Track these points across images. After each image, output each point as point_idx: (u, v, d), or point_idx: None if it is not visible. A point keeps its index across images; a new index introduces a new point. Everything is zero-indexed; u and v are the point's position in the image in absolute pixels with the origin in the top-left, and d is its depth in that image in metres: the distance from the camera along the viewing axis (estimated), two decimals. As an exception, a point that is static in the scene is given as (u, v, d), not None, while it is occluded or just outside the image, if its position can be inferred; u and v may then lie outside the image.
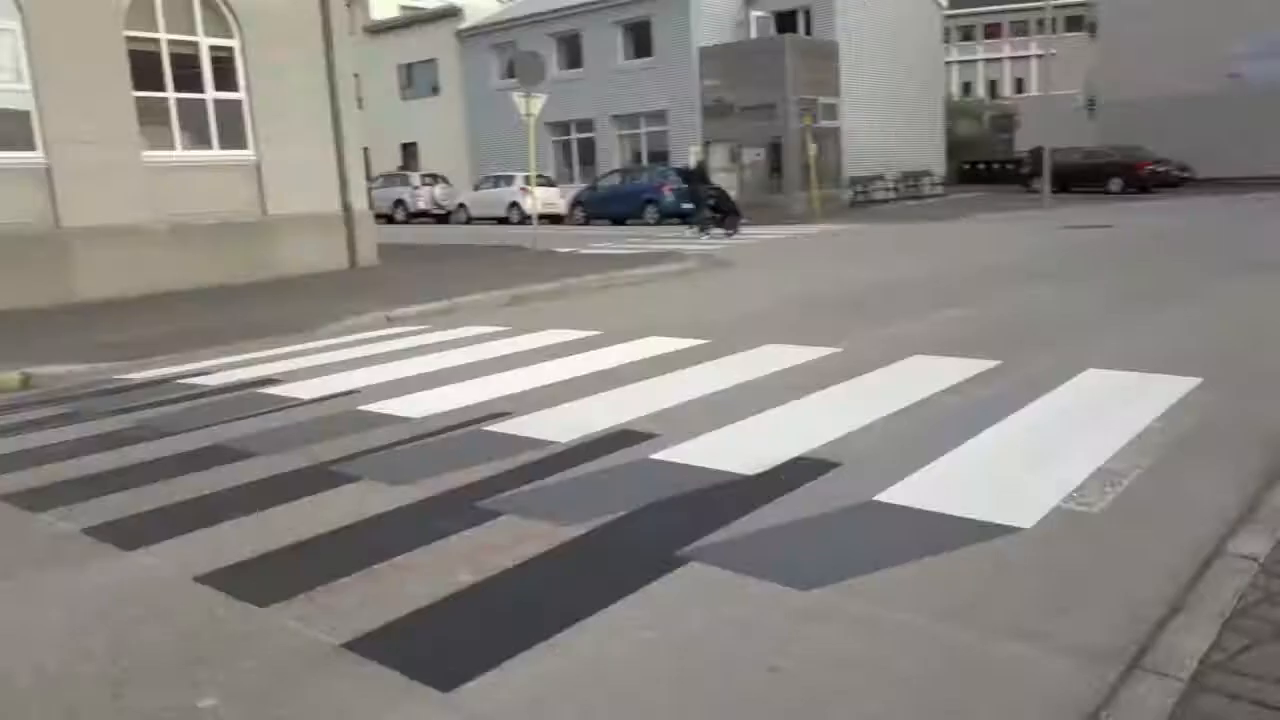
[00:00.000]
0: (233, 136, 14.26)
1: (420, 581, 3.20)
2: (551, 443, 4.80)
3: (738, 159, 31.11)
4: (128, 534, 3.81)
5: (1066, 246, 14.53)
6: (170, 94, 13.53)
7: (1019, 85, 67.50)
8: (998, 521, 3.46)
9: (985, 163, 44.05)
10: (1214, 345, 6.54)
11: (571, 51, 33.57)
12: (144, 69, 13.18)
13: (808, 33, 30.79)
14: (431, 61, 38.19)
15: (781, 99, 28.66)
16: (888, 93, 32.50)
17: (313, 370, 7.21)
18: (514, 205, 31.04)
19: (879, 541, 3.37)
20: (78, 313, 11.36)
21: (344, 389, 6.41)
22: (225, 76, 14.13)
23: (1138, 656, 2.50)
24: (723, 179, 31.28)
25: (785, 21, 31.33)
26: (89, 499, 4.29)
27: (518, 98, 18.76)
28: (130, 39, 12.99)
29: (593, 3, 32.25)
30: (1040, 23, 68.69)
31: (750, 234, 21.23)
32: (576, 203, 29.84)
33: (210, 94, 13.95)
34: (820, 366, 6.33)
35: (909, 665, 2.55)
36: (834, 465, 4.19)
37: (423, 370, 6.95)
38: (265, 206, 14.62)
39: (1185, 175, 33.18)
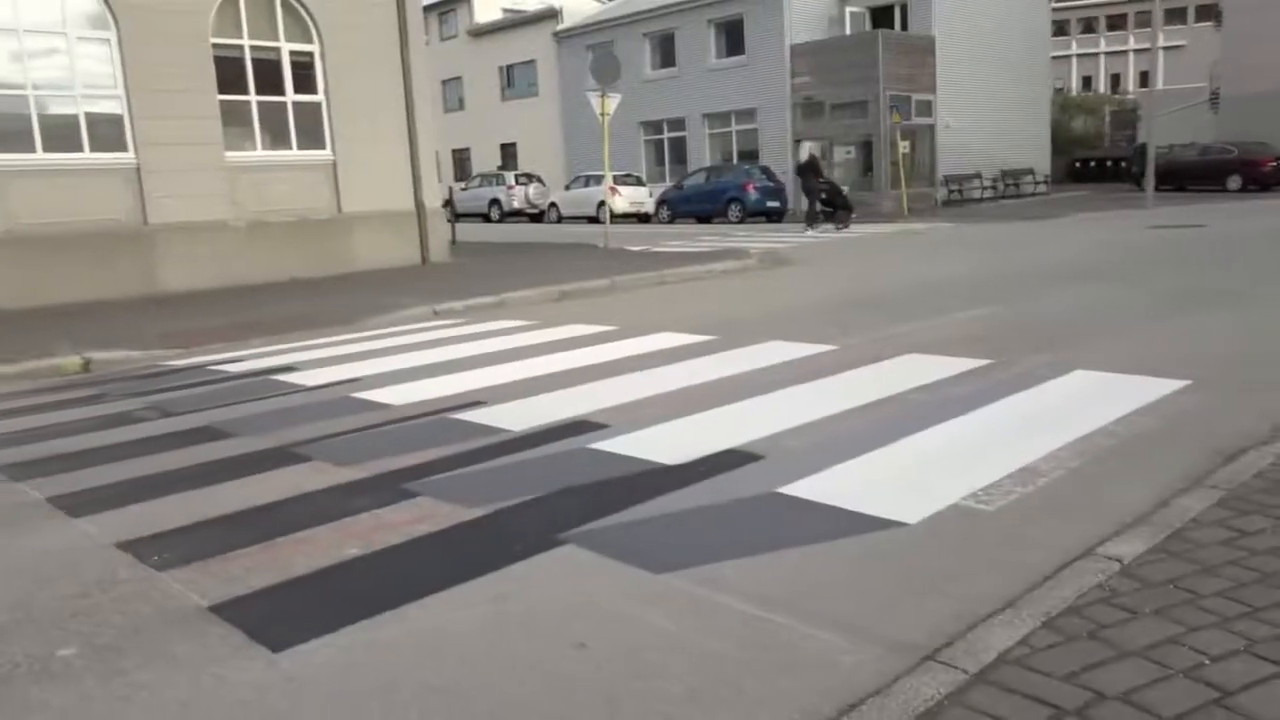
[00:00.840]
0: (311, 137, 14.92)
1: (310, 554, 3.39)
2: (506, 430, 4.94)
3: (827, 157, 30.73)
4: (82, 503, 4.12)
5: (1138, 247, 13.91)
6: (252, 97, 14.25)
7: (1143, 79, 64.41)
8: (884, 516, 3.44)
9: (1097, 160, 42.36)
10: (1233, 350, 6.23)
11: (665, 51, 33.72)
12: (228, 73, 13.93)
13: (904, 27, 30.17)
14: (531, 63, 38.94)
15: (874, 96, 28.21)
16: (988, 88, 31.54)
17: (331, 360, 7.55)
18: (602, 204, 31.33)
19: (757, 531, 3.39)
20: (157, 304, 12.09)
21: (347, 377, 6.70)
22: (305, 80, 14.80)
23: (939, 649, 2.49)
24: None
25: (881, 17, 30.78)
26: (68, 471, 4.65)
27: (594, 97, 19.00)
28: (216, 45, 13.74)
29: (687, 2, 32.33)
30: (1168, 13, 65.65)
31: (829, 233, 20.99)
32: (662, 201, 30.00)
33: (290, 97, 14.63)
34: (808, 364, 6.30)
35: (713, 646, 2.59)
36: (757, 458, 4.20)
37: (430, 361, 7.20)
38: (340, 204, 15.24)
39: (1314, 172, 31.18)
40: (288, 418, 5.57)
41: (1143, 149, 28.93)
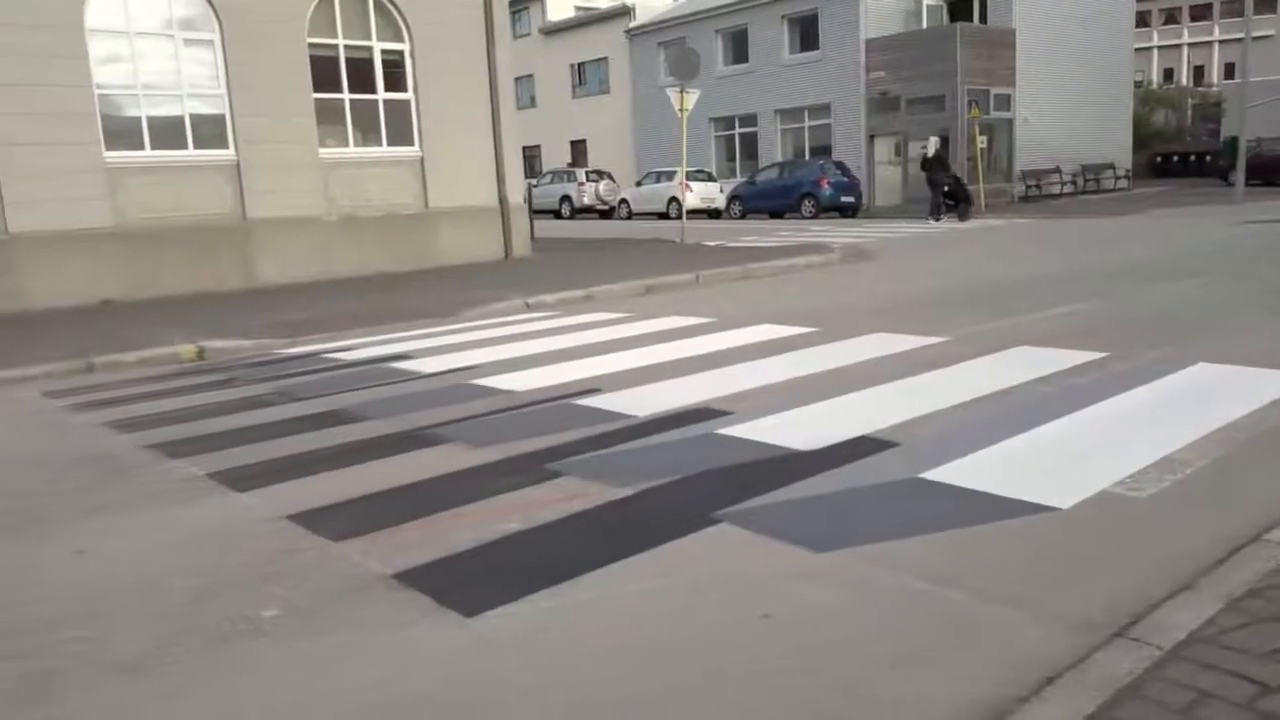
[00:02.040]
0: (400, 134, 15.24)
1: (473, 527, 3.53)
2: (630, 416, 5.05)
3: (902, 153, 30.43)
4: (240, 479, 4.33)
5: (1234, 242, 13.56)
6: (345, 95, 14.62)
7: (1228, 70, 62.48)
8: (1035, 501, 3.47)
9: (1180, 155, 41.22)
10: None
11: (738, 47, 33.68)
12: (323, 72, 14.30)
13: (982, 20, 29.71)
14: (602, 60, 39.19)
15: (951, 90, 27.87)
16: (1067, 81, 30.90)
17: (442, 349, 7.75)
18: (673, 200, 31.43)
19: (909, 514, 3.44)
20: (256, 296, 12.49)
21: (461, 365, 6.88)
22: (395, 78, 15.12)
23: (1125, 628, 2.52)
24: (885, 173, 30.79)
25: (959, 9, 30.34)
26: (217, 450, 4.87)
27: (673, 93, 19.07)
28: (312, 45, 14.12)
29: (760, -2, 32.29)
30: (1256, 2, 63.51)
31: (902, 228, 20.81)
32: (734, 197, 29.99)
33: (381, 94, 14.96)
34: (918, 355, 6.31)
35: (895, 620, 2.65)
36: (891, 445, 4.25)
37: (538, 350, 7.35)
38: (427, 199, 15.54)
39: None
40: (413, 403, 5.75)
41: (1232, 143, 28.09)
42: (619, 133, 38.55)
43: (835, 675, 2.39)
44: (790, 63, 32.08)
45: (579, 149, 40.92)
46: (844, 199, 27.15)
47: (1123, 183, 33.51)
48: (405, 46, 15.09)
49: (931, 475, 3.81)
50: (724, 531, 3.37)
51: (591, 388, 5.83)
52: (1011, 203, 28.90)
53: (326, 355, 7.86)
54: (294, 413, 5.69)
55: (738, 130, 34.64)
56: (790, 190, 27.85)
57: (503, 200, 16.37)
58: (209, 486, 4.27)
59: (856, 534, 3.26)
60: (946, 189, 22.43)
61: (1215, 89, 58.48)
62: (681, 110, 19.11)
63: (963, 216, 22.22)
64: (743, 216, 29.27)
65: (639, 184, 33.29)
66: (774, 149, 33.18)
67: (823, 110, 31.44)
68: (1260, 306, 7.76)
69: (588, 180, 34.62)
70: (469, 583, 3.05)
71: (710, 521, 3.46)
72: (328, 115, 14.45)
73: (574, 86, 40.94)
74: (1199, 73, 63.71)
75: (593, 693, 2.38)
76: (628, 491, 3.83)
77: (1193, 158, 40.52)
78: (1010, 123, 29.53)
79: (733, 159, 35.02)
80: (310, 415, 5.60)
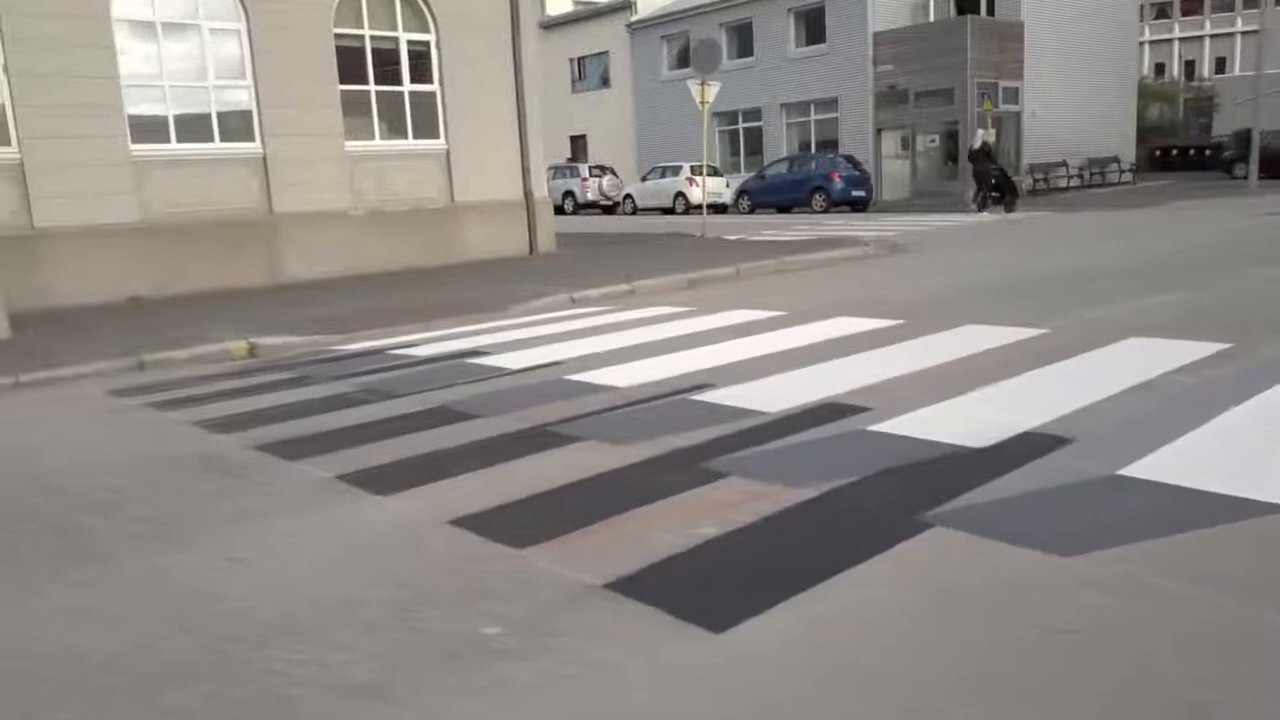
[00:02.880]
0: (426, 127, 14.96)
1: (665, 531, 3.29)
2: (759, 412, 4.82)
3: (909, 146, 30.32)
4: (377, 480, 4.08)
5: (1275, 232, 13.47)
6: (371, 87, 14.32)
7: (1220, 65, 62.78)
8: (1259, 499, 3.26)
9: (1179, 149, 41.28)
10: None
11: (742, 40, 33.46)
12: (349, 64, 14.00)
13: (990, 13, 29.61)
14: (602, 54, 38.90)
15: (960, 83, 27.74)
16: (1074, 75, 30.87)
17: (513, 344, 7.50)
18: (680, 195, 31.27)
19: (1129, 514, 3.23)
20: (286, 292, 12.19)
21: (547, 360, 6.63)
22: (421, 70, 14.83)
23: None
24: (892, 167, 30.65)
25: (966, 2, 30.22)
26: (335, 450, 4.62)
27: (694, 85, 18.84)
28: (338, 36, 13.81)
29: (764, -9, 32.08)
30: (1244, -3, 63.75)
31: (924, 221, 20.67)
32: (742, 192, 29.80)
33: (407, 86, 14.68)
34: (1029, 346, 6.11)
35: (1195, 630, 2.44)
36: (1066, 441, 4.03)
37: (617, 345, 7.11)
38: (453, 193, 15.27)
39: None
40: (518, 399, 5.51)
41: (1245, 135, 28.08)
42: (620, 127, 38.26)
43: (1166, 695, 2.17)
44: (796, 56, 31.88)
45: (579, 144, 40.61)
46: (855, 193, 27.00)
47: (1127, 176, 33.51)
48: (431, 37, 14.81)
49: (1130, 472, 3.59)
50: (944, 535, 3.14)
51: (701, 383, 5.60)
52: (1020, 196, 28.78)
53: (393, 351, 7.59)
54: (394, 410, 5.44)
55: (742, 125, 34.43)
56: (801, 184, 27.69)
57: (528, 194, 16.11)
58: (344, 489, 4.01)
59: (1094, 536, 3.04)
60: (994, 181, 22.50)
61: (1208, 83, 58.78)
62: (703, 103, 18.89)
63: (1009, 208, 22.10)
64: (752, 211, 29.08)
65: (644, 179, 33.03)
66: (779, 143, 32.99)
67: (829, 104, 31.27)
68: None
69: (591, 175, 34.36)
70: (694, 593, 2.81)
71: (922, 525, 3.23)
72: (353, 108, 14.15)
73: (573, 81, 40.62)
74: (1190, 67, 63.97)
75: (879, 716, 2.15)
76: (811, 493, 3.60)
77: (1191, 151, 40.57)
78: (1018, 116, 29.44)
79: (736, 154, 34.83)
80: (414, 413, 5.34)
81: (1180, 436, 3.99)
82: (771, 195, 28.74)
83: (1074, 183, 31.32)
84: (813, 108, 31.92)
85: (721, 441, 4.36)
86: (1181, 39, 64.07)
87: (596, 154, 38.87)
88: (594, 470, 4.04)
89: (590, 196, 34.27)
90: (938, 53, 27.96)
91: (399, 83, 14.61)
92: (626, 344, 7.18)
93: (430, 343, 7.91)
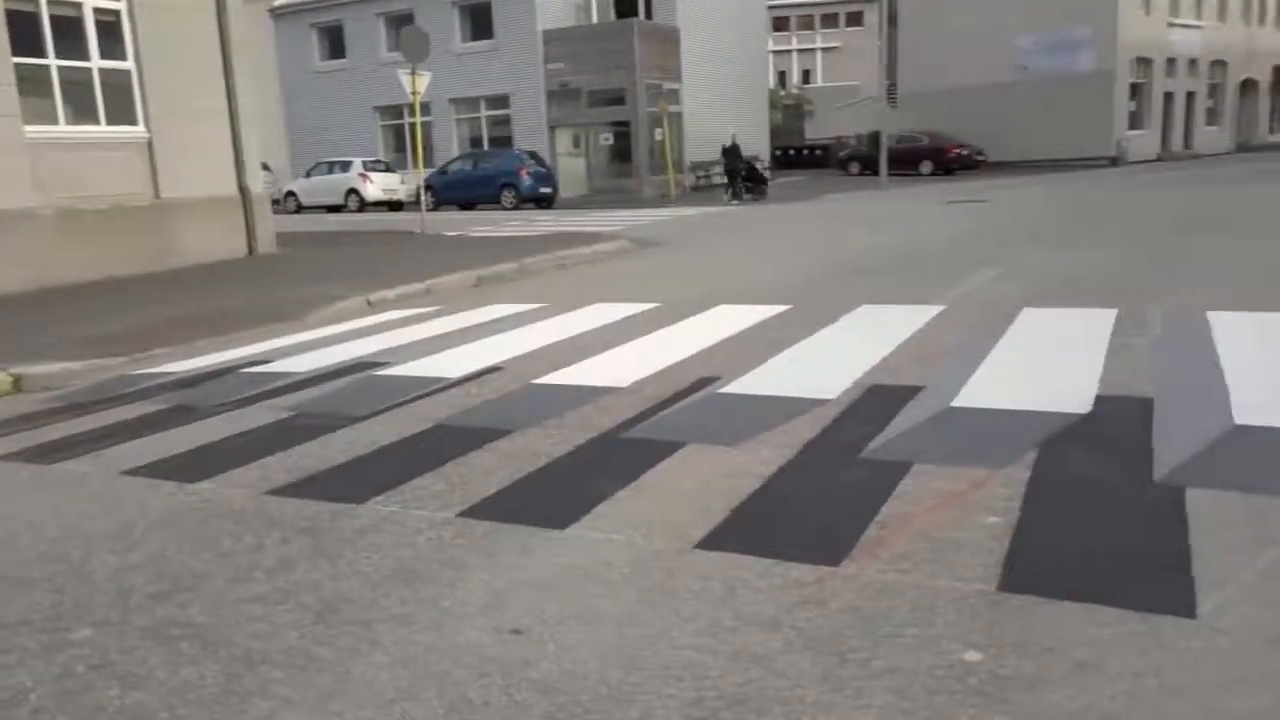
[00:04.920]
0: (121, 111, 12.76)
1: (947, 525, 3.06)
2: (823, 399, 4.66)
3: (581, 144, 31.09)
4: (530, 514, 3.39)
5: (1000, 217, 15.53)
6: (52, 61, 11.93)
7: (806, 77, 71.24)
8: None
9: (795, 149, 46.15)
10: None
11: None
12: (23, 31, 11.54)
13: (648, 16, 31.10)
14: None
15: (630, 83, 28.87)
16: (721, 79, 33.40)
17: (402, 351, 6.62)
18: (352, 192, 29.59)
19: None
20: (-14, 309, 9.82)
21: (482, 366, 5.93)
22: (112, 44, 12.61)
23: None
24: (567, 164, 31.24)
25: (625, 6, 31.50)
26: (398, 485, 3.78)
27: (404, 75, 17.89)
28: (4, -3, 11.32)
29: (425, -18, 31.17)
30: (824, 18, 72.97)
31: (613, 215, 21.32)
32: (425, 187, 28.73)
33: (96, 62, 12.41)
34: (958, 320, 6.50)
35: None
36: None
37: (534, 345, 6.52)
38: (159, 189, 13.19)
39: (981, 159, 36.25)
40: (519, 410, 4.85)
41: (875, 137, 31.92)
42: (266, 121, 35.21)
43: None
44: (463, 51, 31.36)
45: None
46: (542, 189, 27.16)
47: (767, 173, 36.85)
48: (121, 5, 12.64)
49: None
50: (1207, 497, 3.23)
51: (707, 376, 5.30)
52: (686, 192, 30.64)
53: (250, 370, 6.36)
54: (394, 434, 4.55)
55: (407, 119, 33.19)
56: (489, 181, 27.31)
57: (243, 189, 14.35)
58: (497, 528, 3.29)
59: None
60: (744, 174, 25.40)
61: (796, 90, 66.45)
62: (414, 94, 18.02)
63: (758, 196, 25.47)
64: (435, 208, 28.12)
65: (309, 175, 30.81)
66: (449, 139, 32.31)
67: (501, 101, 31.15)
68: (1158, 263, 8.95)
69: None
70: (1106, 582, 2.65)
71: (1176, 487, 3.29)
72: (32, 85, 11.71)
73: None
74: (782, 78, 71.93)
75: None
76: (1025, 473, 3.53)
77: (804, 151, 45.55)
78: (679, 116, 31.25)
79: (403, 149, 33.56)
80: (418, 435, 4.51)
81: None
82: (459, 191, 28.07)
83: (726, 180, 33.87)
84: (483, 104, 31.62)
85: (836, 431, 4.16)
86: (774, 52, 71.79)
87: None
88: (760, 475, 3.66)
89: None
90: (607, 53, 28.88)
91: (86, 58, 12.31)
92: (542, 343, 6.60)
93: (278, 358, 6.74)
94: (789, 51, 71.82)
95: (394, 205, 29.68)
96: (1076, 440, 3.84)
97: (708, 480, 3.63)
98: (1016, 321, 6.30)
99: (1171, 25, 38.54)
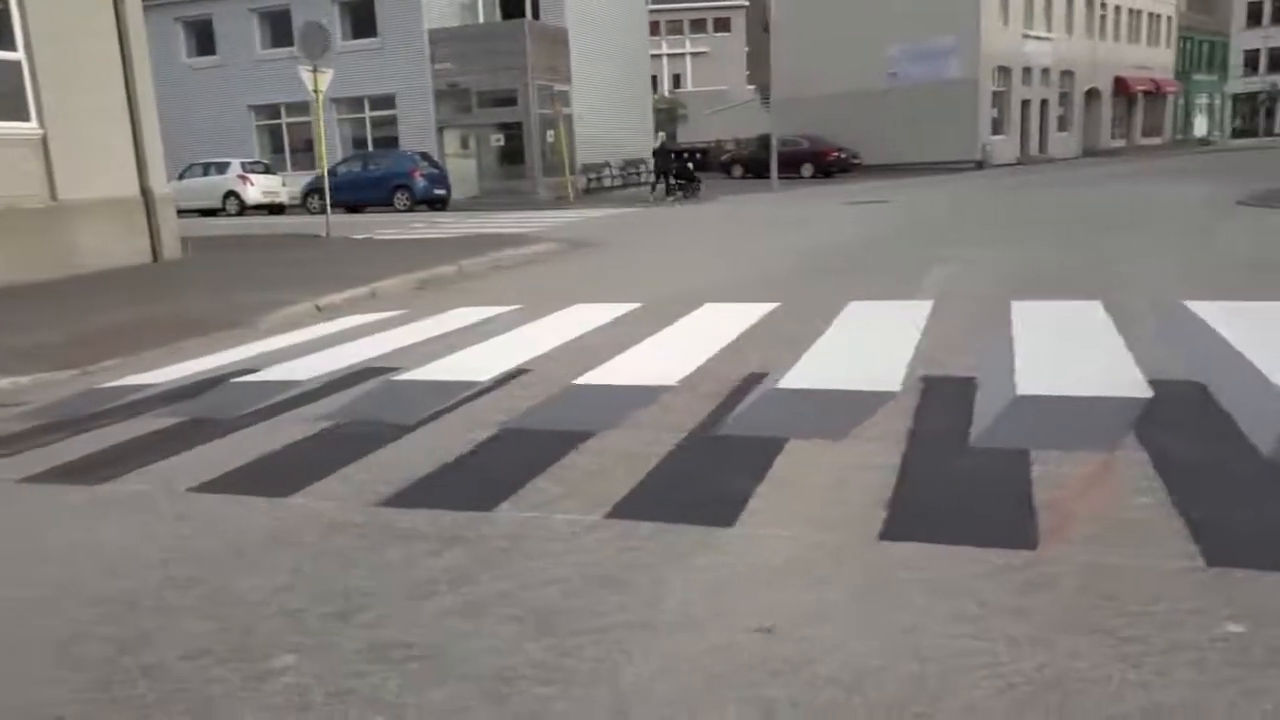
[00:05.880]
0: (13, 105, 11.81)
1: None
2: (890, 392, 4.74)
3: (470, 145, 30.62)
4: (688, 513, 3.31)
5: (914, 217, 16.08)
6: (-66, 49, 10.94)
7: (676, 81, 72.19)
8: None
9: (675, 151, 46.68)
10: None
11: (281, 28, 31.00)
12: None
13: (535, 16, 30.86)
14: (95, 34, 33.44)
15: (522, 84, 28.60)
16: (607, 81, 33.47)
17: (401, 356, 6.36)
18: (231, 195, 28.26)
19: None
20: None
21: (506, 370, 5.75)
22: (0, 32, 11.65)
23: None
24: (456, 165, 30.69)
25: (512, 5, 31.17)
26: (515, 490, 3.63)
27: (305, 72, 17.21)
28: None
29: (301, -24, 30.04)
30: (692, 23, 74.13)
31: (517, 217, 21.13)
32: (313, 190, 27.70)
33: (-17, 52, 11.45)
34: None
35: None
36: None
37: (552, 347, 6.38)
38: (55, 190, 12.27)
39: (857, 162, 37.56)
40: (581, 411, 4.74)
41: (766, 141, 32.52)
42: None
43: None
44: (345, 49, 30.23)
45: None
46: (437, 191, 26.61)
47: (651, 176, 37.15)
48: (10, -9, 11.70)
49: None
50: None
51: (754, 372, 5.30)
52: (579, 195, 30.56)
53: (245, 380, 5.99)
54: (454, 443, 4.33)
55: (285, 119, 32.01)
56: (381, 182, 26.54)
57: (146, 190, 13.51)
58: (652, 532, 3.19)
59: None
60: (675, 172, 26.04)
61: (669, 96, 67.30)
62: (316, 91, 17.38)
63: (689, 195, 26.14)
64: (323, 211, 27.09)
65: (182, 177, 29.16)
66: (333, 140, 31.17)
67: (386, 101, 30.35)
68: (1123, 255, 9.43)
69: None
70: None
71: (1284, 463, 3.50)
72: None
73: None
74: (654, 81, 72.69)
75: None
76: (1141, 454, 3.67)
77: (685, 154, 46.10)
78: (570, 118, 31.15)
79: (280, 150, 32.30)
80: (490, 440, 4.34)
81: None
82: (345, 194, 27.02)
83: (617, 183, 33.99)
84: (367, 104, 30.72)
85: (939, 419, 4.23)
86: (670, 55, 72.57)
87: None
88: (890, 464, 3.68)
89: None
90: (498, 54, 28.53)
91: (-28, 47, 11.34)
92: (549, 345, 6.43)
93: (266, 365, 6.37)
94: (659, 56, 72.50)
95: (275, 208, 28.52)
96: (1162, 422, 4.02)
97: (841, 474, 3.63)
98: (1014, 314, 6.53)
99: (1026, 37, 40.92)
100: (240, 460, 4.26)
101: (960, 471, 3.62)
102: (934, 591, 2.67)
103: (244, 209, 27.95)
